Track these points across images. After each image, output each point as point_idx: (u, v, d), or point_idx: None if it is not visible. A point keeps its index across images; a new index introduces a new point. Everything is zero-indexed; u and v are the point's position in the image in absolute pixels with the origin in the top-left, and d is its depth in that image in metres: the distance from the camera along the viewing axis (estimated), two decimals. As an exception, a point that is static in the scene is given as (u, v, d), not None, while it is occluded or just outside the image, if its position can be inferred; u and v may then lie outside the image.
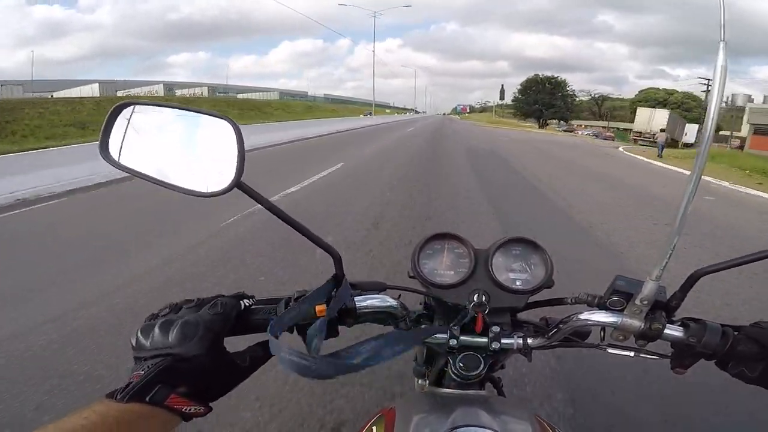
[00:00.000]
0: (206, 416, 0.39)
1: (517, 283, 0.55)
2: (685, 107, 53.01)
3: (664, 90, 60.42)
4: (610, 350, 0.50)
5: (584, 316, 0.49)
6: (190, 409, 0.37)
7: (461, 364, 0.54)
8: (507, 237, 0.57)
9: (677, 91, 58.35)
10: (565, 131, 52.36)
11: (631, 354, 0.50)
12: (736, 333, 0.44)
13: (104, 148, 0.42)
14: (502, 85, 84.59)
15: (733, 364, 0.45)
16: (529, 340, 0.52)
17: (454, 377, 0.57)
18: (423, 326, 0.56)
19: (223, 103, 33.86)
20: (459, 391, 0.57)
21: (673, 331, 0.46)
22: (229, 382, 0.42)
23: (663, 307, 0.46)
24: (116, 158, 0.41)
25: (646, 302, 0.44)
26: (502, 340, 0.52)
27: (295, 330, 0.45)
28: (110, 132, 0.42)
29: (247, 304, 0.45)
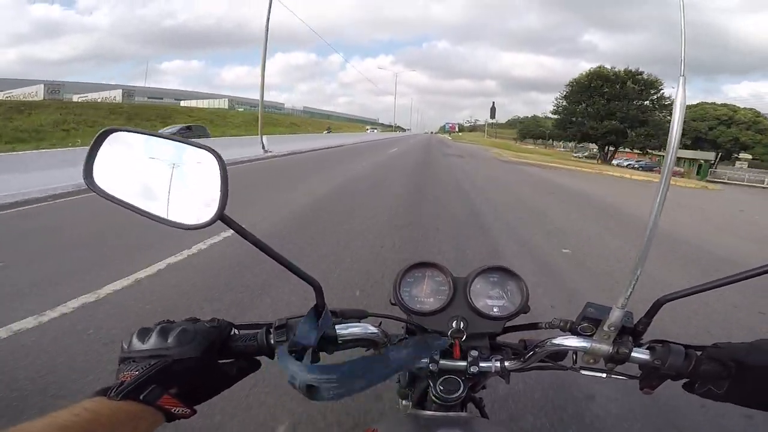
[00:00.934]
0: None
1: (495, 310, 0.57)
2: (759, 127, 42.27)
3: (725, 106, 46.89)
4: (583, 372, 0.52)
5: (557, 340, 0.52)
6: (177, 410, 0.38)
7: (441, 387, 0.56)
8: (485, 265, 0.60)
9: (740, 109, 45.27)
10: (642, 169, 30.49)
11: (603, 375, 0.52)
12: (698, 353, 0.46)
13: (88, 175, 0.42)
14: (493, 103, 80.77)
15: (699, 384, 0.47)
16: (507, 363, 0.54)
17: (435, 399, 0.59)
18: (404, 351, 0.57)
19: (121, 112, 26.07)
20: (441, 413, 0.59)
21: (640, 354, 0.48)
22: (216, 388, 0.44)
23: (630, 332, 0.48)
24: (100, 185, 0.42)
25: (613, 328, 0.47)
26: (481, 364, 0.54)
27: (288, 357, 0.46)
28: (94, 158, 0.42)
29: (234, 332, 0.47)
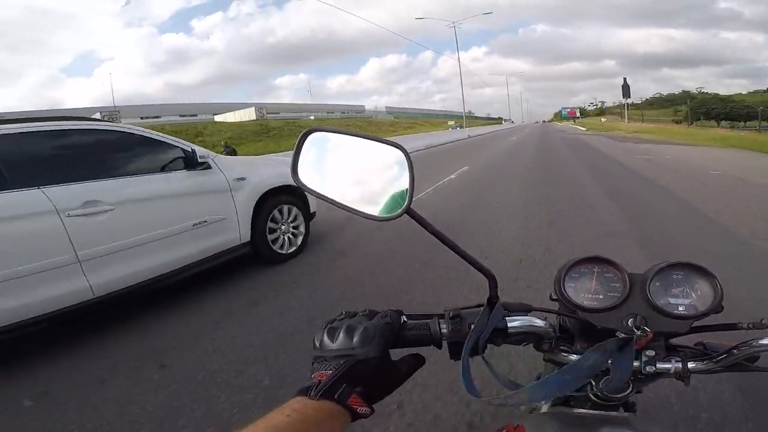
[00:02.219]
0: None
1: (680, 309, 0.53)
2: None
3: None
4: None
5: (765, 341, 0.47)
6: (362, 410, 0.40)
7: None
8: (666, 261, 0.54)
9: None
10: None
11: None
12: None
13: (294, 171, 0.48)
14: (625, 79, 68.86)
15: None
16: (690, 365, 0.51)
17: (595, 398, 0.56)
18: (570, 356, 0.55)
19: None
20: (600, 412, 0.56)
21: None
22: (391, 385, 0.46)
23: None
24: (304, 181, 0.48)
25: None
26: (658, 365, 0.51)
27: (444, 345, 0.48)
28: (299, 156, 0.49)
29: (404, 320, 0.49)
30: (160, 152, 2.67)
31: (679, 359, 0.51)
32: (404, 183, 0.41)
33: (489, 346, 0.50)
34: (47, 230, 1.99)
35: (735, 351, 0.49)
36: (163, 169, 2.63)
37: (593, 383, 0.55)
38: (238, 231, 2.94)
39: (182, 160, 2.71)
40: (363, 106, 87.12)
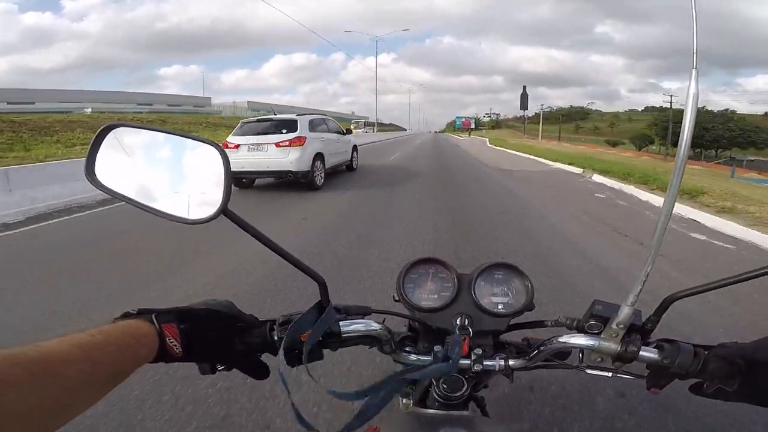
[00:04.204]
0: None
1: (500, 307, 0.57)
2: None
3: None
4: (589, 371, 0.51)
5: (564, 338, 0.51)
6: (172, 342, 0.40)
7: (445, 386, 0.56)
8: (489, 262, 0.59)
9: None
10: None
11: (609, 375, 0.51)
12: (706, 353, 0.46)
13: (90, 170, 0.41)
14: (524, 88, 61.25)
15: (708, 384, 0.46)
16: (511, 362, 0.53)
17: (438, 398, 0.58)
18: (410, 356, 0.56)
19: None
20: (443, 411, 0.58)
21: (648, 353, 0.47)
22: (214, 357, 0.46)
23: (638, 330, 0.47)
24: (102, 181, 0.41)
25: (622, 326, 0.46)
26: (485, 362, 0.52)
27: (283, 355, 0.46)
28: (96, 154, 0.42)
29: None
30: (337, 128, 8.80)
31: (503, 357, 0.53)
32: (220, 182, 0.38)
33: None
34: (331, 143, 7.96)
35: (542, 348, 0.52)
36: (337, 132, 8.55)
37: (434, 383, 0.57)
38: (348, 158, 9.29)
39: (341, 132, 8.87)
40: (209, 98, 64.08)
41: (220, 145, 0.39)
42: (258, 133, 6.84)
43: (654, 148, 53.96)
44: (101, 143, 0.42)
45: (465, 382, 0.55)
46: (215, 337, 0.44)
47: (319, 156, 7.04)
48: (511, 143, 26.65)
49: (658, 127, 50.55)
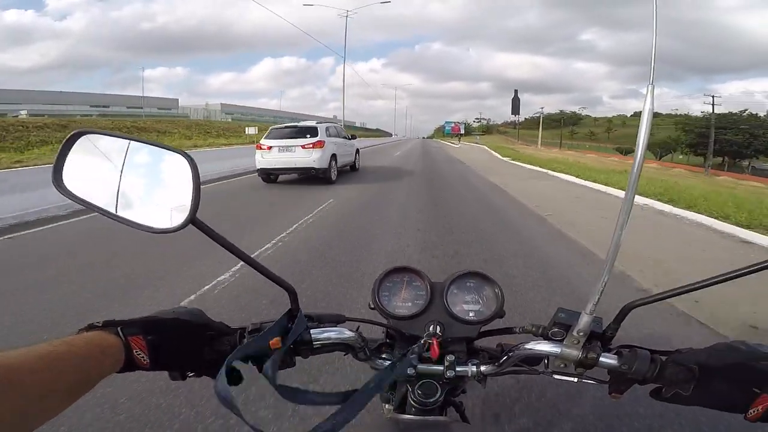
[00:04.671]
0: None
1: (470, 315, 0.58)
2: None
3: None
4: (555, 376, 0.52)
5: (530, 345, 0.52)
6: (139, 354, 0.40)
7: (419, 392, 0.56)
8: (461, 271, 0.60)
9: None
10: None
11: (575, 380, 0.52)
12: (663, 358, 0.47)
13: (57, 177, 0.41)
14: (516, 92, 60.85)
15: (666, 389, 0.47)
16: (483, 368, 0.54)
17: (414, 404, 0.59)
18: (385, 363, 0.57)
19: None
20: (420, 417, 0.59)
21: (608, 359, 0.49)
22: (184, 367, 0.46)
23: (599, 338, 0.49)
24: (70, 188, 0.41)
25: (582, 333, 0.47)
26: (457, 368, 0.54)
27: (250, 361, 0.46)
28: (64, 161, 0.42)
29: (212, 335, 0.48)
30: (344, 134, 10.61)
31: (476, 362, 0.55)
32: (188, 192, 0.39)
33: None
34: (341, 146, 9.79)
35: (510, 354, 0.53)
36: (344, 137, 10.26)
37: (410, 389, 0.57)
38: (353, 159, 10.93)
39: (347, 138, 10.59)
40: (176, 99, 61.63)
41: (189, 154, 0.39)
42: (285, 137, 8.57)
43: (682, 157, 50.86)
44: (69, 150, 0.42)
45: (439, 387, 0.56)
46: (183, 347, 0.44)
47: (333, 156, 8.88)
48: (524, 155, 19.95)
49: (692, 134, 44.60)
